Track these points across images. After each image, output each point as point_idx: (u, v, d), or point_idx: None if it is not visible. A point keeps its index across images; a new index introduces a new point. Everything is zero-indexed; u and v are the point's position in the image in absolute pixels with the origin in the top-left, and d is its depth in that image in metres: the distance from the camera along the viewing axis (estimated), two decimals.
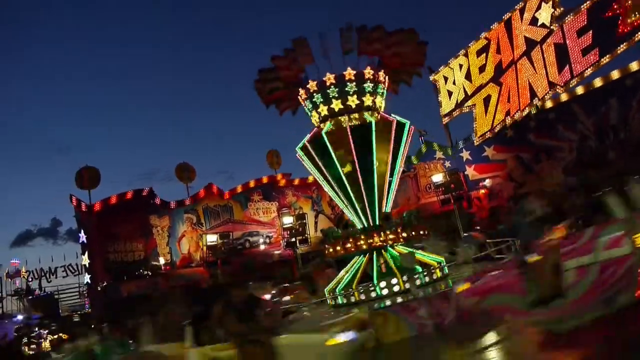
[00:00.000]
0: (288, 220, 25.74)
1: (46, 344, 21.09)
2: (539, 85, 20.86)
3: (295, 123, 16.59)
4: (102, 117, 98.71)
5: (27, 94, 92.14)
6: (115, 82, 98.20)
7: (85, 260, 25.62)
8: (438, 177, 23.19)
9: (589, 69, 18.93)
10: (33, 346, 21.01)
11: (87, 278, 25.99)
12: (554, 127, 20.79)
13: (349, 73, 13.59)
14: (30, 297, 29.83)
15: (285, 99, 15.25)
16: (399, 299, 11.50)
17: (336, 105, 13.77)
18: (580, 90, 19.97)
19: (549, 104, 20.99)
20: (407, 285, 12.18)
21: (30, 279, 32.27)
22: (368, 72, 13.73)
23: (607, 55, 18.29)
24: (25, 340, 21.16)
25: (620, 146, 18.57)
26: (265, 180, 30.34)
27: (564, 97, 20.49)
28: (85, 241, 25.43)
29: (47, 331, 22.69)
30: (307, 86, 14.01)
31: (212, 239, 25.49)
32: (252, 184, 30.10)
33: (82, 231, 25.58)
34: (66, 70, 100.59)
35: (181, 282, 23.58)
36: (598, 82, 19.39)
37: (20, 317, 26.99)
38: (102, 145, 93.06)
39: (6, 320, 26.39)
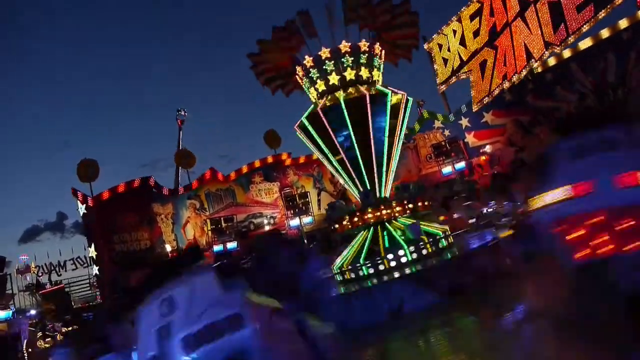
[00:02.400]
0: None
1: (61, 337, 21.39)
2: (534, 45, 20.56)
3: (292, 103, 16.53)
4: (101, 112, 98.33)
5: (26, 94, 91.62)
6: (114, 81, 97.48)
7: (92, 252, 25.79)
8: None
9: (584, 26, 18.61)
10: (48, 339, 21.34)
11: (95, 269, 26.21)
12: (552, 87, 20.55)
13: (345, 46, 13.48)
14: (41, 292, 30.14)
15: (280, 78, 15.17)
16: (407, 270, 11.56)
17: (333, 79, 13.67)
18: (576, 48, 19.68)
19: (546, 65, 20.73)
20: (415, 256, 12.25)
21: (40, 274, 32.57)
22: (363, 44, 13.61)
23: (603, 10, 17.95)
24: (40, 334, 21.50)
25: (619, 104, 18.36)
26: (265, 161, 30.17)
27: (560, 56, 20.20)
28: (90, 233, 25.57)
29: (61, 324, 23.00)
30: (304, 62, 13.93)
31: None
32: (253, 165, 29.94)
33: (87, 223, 25.69)
34: (65, 70, 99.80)
35: None
36: (594, 39, 19.08)
37: (33, 312, 27.31)
38: (102, 139, 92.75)
39: (20, 315, 26.69)
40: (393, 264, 12.25)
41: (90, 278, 31.42)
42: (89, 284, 32.19)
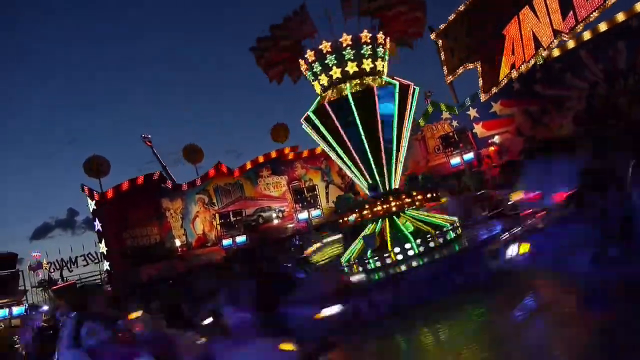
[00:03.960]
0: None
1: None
2: (543, 34, 20.29)
3: (297, 96, 16.45)
4: (106, 109, 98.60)
5: (27, 93, 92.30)
6: (117, 74, 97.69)
7: (102, 248, 26.02)
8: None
9: (594, 13, 18.32)
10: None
11: (106, 265, 26.46)
12: (561, 76, 20.30)
13: (345, 39, 13.27)
14: (53, 288, 30.47)
15: (285, 68, 15.01)
16: (414, 263, 11.53)
17: (334, 73, 13.52)
18: (586, 36, 19.37)
19: (554, 53, 20.45)
20: (422, 249, 12.18)
21: (52, 270, 32.89)
22: (365, 35, 13.38)
23: None
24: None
25: (630, 92, 18.10)
26: (273, 154, 30.15)
27: (570, 44, 19.91)
28: (100, 229, 25.78)
29: None
30: (306, 56, 13.78)
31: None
32: (260, 159, 29.96)
33: (97, 219, 25.91)
34: (66, 70, 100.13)
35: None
36: (604, 26, 18.76)
37: (45, 307, 27.64)
38: (108, 135, 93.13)
39: (33, 311, 27.05)
40: (400, 257, 12.22)
41: (101, 274, 31.72)
42: (100, 280, 32.48)
